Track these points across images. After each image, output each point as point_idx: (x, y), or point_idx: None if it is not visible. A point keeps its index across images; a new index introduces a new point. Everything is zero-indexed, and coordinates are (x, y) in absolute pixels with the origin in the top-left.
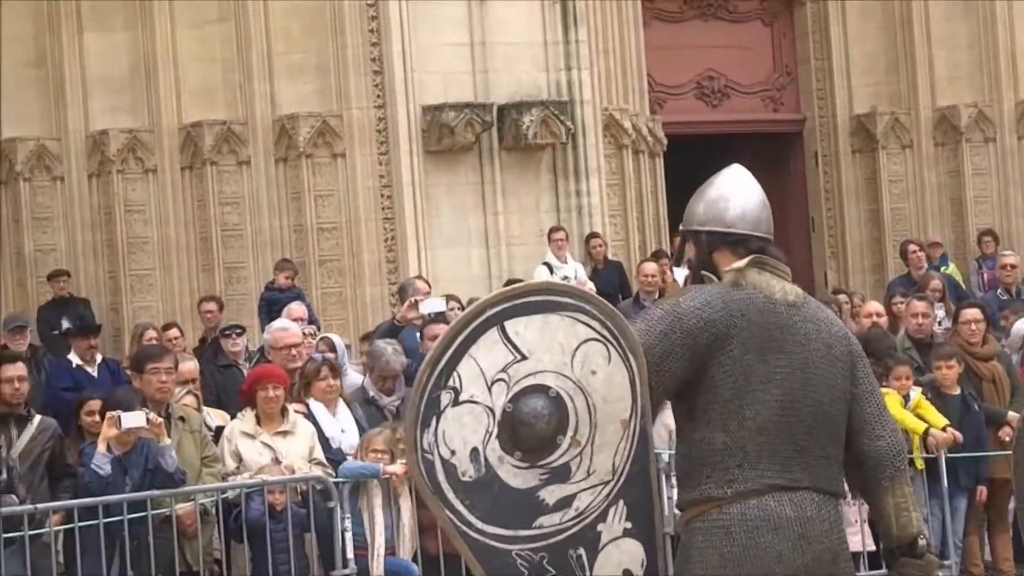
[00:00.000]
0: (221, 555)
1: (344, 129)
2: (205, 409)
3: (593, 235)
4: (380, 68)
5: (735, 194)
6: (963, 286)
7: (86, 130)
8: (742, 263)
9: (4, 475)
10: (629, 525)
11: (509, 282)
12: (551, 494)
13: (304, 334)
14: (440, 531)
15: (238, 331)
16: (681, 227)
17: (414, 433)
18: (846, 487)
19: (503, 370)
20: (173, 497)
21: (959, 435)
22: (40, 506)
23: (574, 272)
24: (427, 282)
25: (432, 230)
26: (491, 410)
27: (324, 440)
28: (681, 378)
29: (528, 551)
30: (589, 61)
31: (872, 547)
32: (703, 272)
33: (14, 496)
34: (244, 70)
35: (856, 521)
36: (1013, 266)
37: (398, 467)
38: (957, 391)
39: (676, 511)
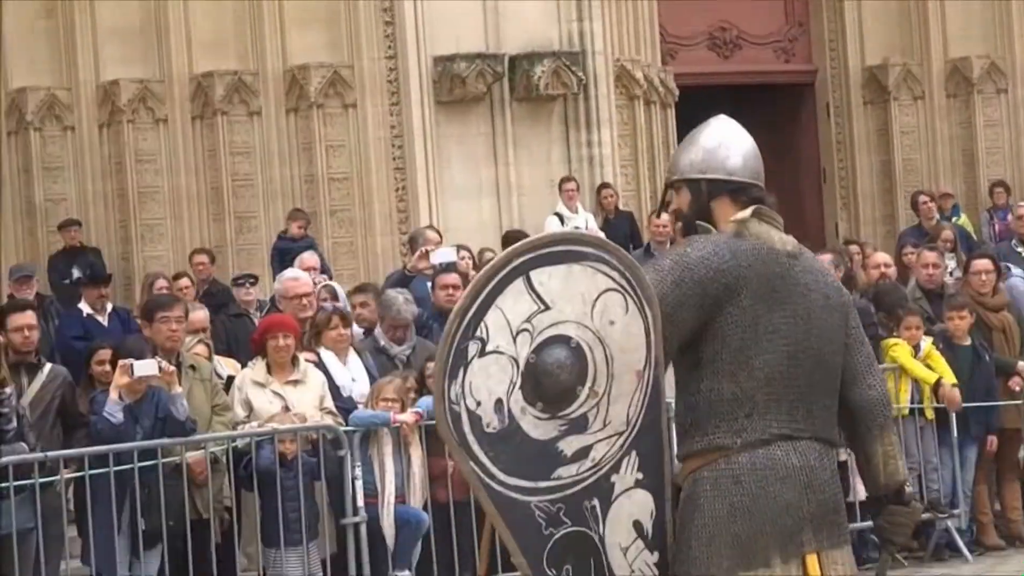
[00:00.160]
0: (231, 503)
1: (355, 80)
2: (216, 358)
3: (604, 185)
4: (391, 19)
5: (734, 143)
6: (974, 237)
7: (97, 80)
8: (746, 213)
9: (14, 423)
10: (640, 476)
11: (508, 234)
12: (569, 445)
13: (314, 283)
14: (450, 480)
15: (251, 280)
16: (672, 176)
17: (442, 384)
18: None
19: (527, 320)
20: (184, 446)
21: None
22: (51, 454)
23: (585, 222)
24: (438, 232)
25: (443, 181)
26: (515, 361)
27: (335, 389)
28: (691, 328)
29: (547, 502)
30: (601, 12)
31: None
32: (699, 222)
33: (24, 444)
34: (255, 20)
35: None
36: None
37: (408, 416)
38: (968, 341)
39: (676, 462)
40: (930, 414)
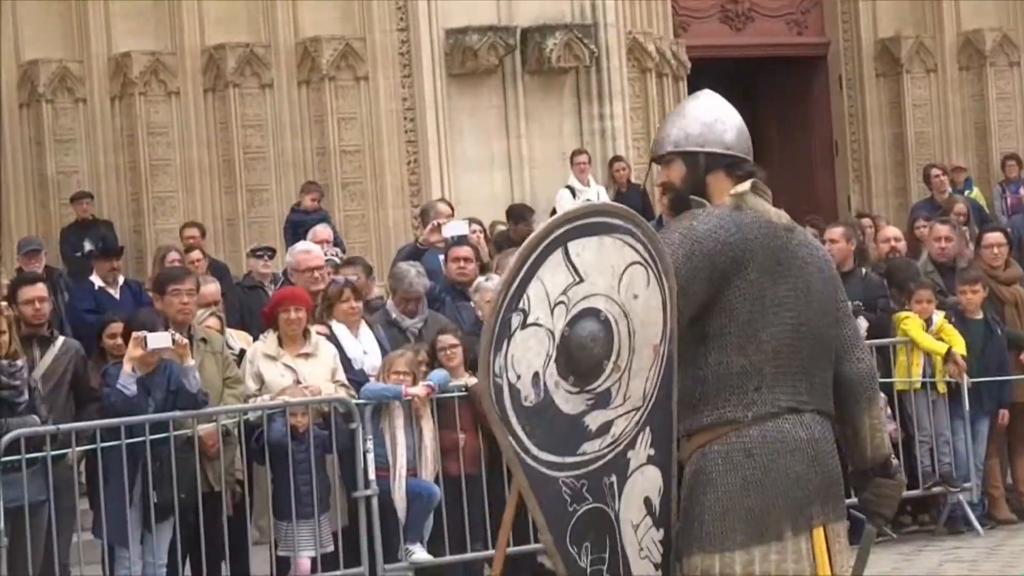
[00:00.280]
0: (243, 476)
1: (367, 52)
2: (228, 331)
3: (616, 158)
4: None
5: (729, 117)
6: (986, 210)
7: (108, 52)
8: (745, 186)
9: (26, 396)
10: (652, 452)
11: (511, 208)
12: (594, 420)
13: (326, 255)
14: (461, 453)
15: (269, 253)
16: (663, 149)
17: (488, 357)
18: None
19: (564, 292)
20: (195, 418)
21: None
22: (63, 427)
23: (596, 195)
24: (450, 205)
25: (455, 153)
26: (552, 333)
27: (346, 362)
28: (701, 302)
29: (572, 478)
30: None
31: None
32: (692, 196)
33: (36, 416)
34: None
35: None
36: None
37: (420, 389)
38: (980, 315)
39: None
40: (942, 388)
